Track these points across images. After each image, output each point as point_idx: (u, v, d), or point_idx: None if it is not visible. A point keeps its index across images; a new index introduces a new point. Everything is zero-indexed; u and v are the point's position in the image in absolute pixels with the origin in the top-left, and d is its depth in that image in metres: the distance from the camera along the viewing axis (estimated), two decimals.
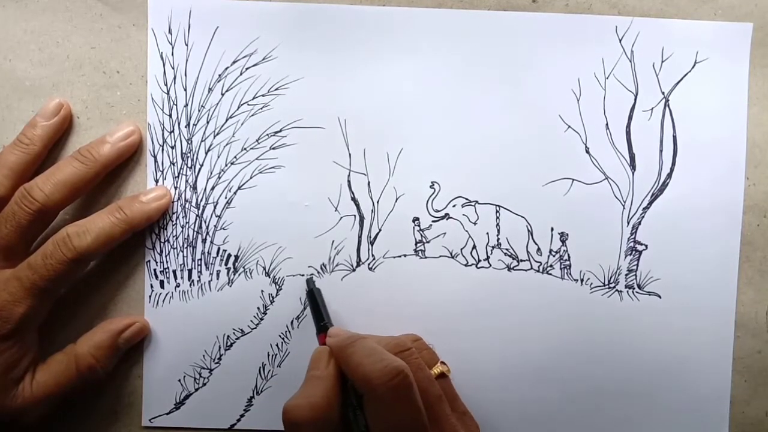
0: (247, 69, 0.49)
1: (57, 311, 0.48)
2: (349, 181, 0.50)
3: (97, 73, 0.49)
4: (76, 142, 0.49)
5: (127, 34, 0.49)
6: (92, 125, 0.49)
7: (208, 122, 0.49)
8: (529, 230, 0.50)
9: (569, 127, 0.49)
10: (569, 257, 0.49)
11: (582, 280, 0.50)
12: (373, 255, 0.50)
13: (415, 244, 0.50)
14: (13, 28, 0.49)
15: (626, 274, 0.49)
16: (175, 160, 0.49)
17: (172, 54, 0.49)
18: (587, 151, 0.49)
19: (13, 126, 0.49)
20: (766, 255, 0.50)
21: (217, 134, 0.49)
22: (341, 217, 0.50)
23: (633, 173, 0.49)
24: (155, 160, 0.49)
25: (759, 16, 0.49)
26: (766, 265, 0.50)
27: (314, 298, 0.48)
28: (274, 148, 0.49)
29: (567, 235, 0.49)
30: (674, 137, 0.49)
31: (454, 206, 0.50)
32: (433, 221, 0.50)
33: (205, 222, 0.49)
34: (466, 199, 0.50)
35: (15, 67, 0.49)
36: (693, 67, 0.49)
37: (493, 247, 0.50)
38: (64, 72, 0.49)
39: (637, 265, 0.49)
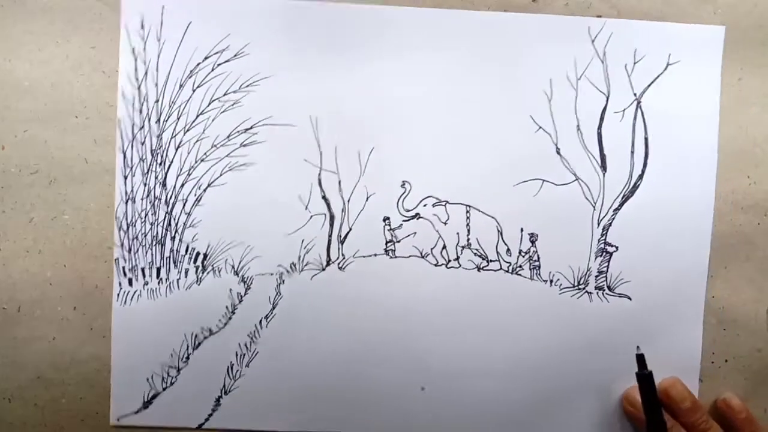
0: (218, 65, 0.49)
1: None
2: (319, 180, 0.49)
3: (97, 73, 0.49)
4: (75, 142, 0.49)
5: None
6: (92, 125, 0.49)
7: (178, 118, 0.49)
8: (499, 230, 0.50)
9: (540, 127, 0.49)
10: (539, 258, 0.49)
11: (551, 281, 0.49)
12: (343, 254, 0.50)
13: (386, 244, 0.50)
14: (13, 28, 0.49)
15: (596, 276, 0.49)
16: (144, 157, 0.49)
17: (144, 50, 0.49)
18: (558, 152, 0.49)
19: (12, 126, 0.49)
20: (767, 254, 0.50)
21: (188, 131, 0.49)
22: (311, 216, 0.49)
23: (604, 174, 0.49)
24: (124, 157, 0.49)
25: (759, 15, 0.49)
26: (766, 264, 0.50)
27: (652, 386, 0.47)
28: (244, 146, 0.49)
29: (537, 235, 0.49)
30: (646, 139, 0.49)
31: (424, 206, 0.50)
32: (403, 221, 0.50)
33: (174, 219, 0.49)
34: (437, 198, 0.50)
35: (15, 67, 0.49)
36: (665, 69, 0.49)
37: (463, 247, 0.50)
38: (63, 72, 0.49)
39: (608, 266, 0.49)
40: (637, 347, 0.47)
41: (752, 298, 0.50)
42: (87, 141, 0.48)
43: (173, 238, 0.49)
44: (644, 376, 0.47)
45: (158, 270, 0.49)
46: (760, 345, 0.50)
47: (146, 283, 0.49)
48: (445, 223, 0.50)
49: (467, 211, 0.49)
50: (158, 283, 0.49)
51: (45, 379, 0.50)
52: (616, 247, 0.49)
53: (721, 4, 0.49)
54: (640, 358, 0.47)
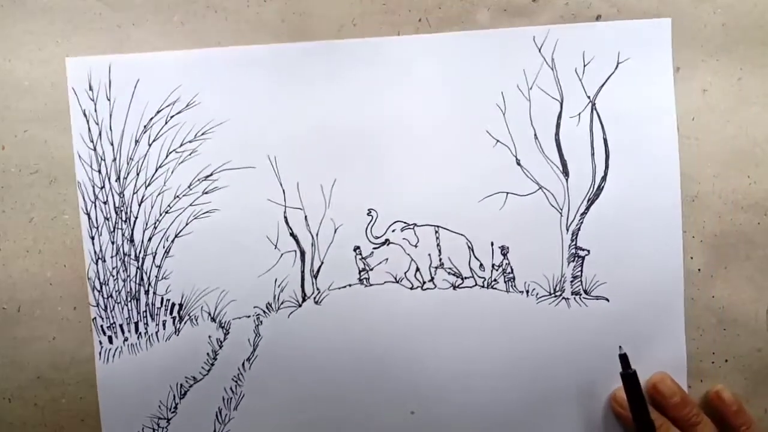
0: (171, 117, 0.49)
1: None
2: (285, 218, 0.49)
3: None
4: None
5: (127, 35, 0.48)
6: None
7: (138, 174, 0.49)
8: (469, 247, 0.50)
9: (498, 141, 0.49)
10: (512, 270, 0.49)
11: (527, 292, 0.49)
12: (317, 288, 0.50)
13: (359, 273, 0.50)
14: (13, 28, 0.48)
15: (571, 281, 0.49)
16: (109, 215, 0.49)
17: (95, 110, 0.49)
18: (518, 163, 0.49)
19: (12, 126, 0.49)
20: (767, 253, 0.50)
21: (149, 185, 0.49)
22: (282, 254, 0.49)
23: (567, 180, 0.49)
24: (89, 218, 0.49)
25: (759, 15, 0.49)
26: (766, 263, 0.50)
27: (637, 386, 0.47)
28: (206, 193, 0.49)
29: (507, 248, 0.49)
30: (605, 140, 0.49)
31: (393, 231, 0.50)
32: (374, 248, 0.50)
33: (145, 273, 0.49)
34: (405, 222, 0.50)
35: (15, 67, 0.49)
36: (616, 68, 0.49)
37: (436, 268, 0.50)
38: (63, 72, 0.49)
39: (581, 270, 0.49)
40: (620, 347, 0.48)
41: (752, 298, 0.50)
42: None
43: (147, 292, 0.49)
44: (628, 376, 0.47)
45: (136, 325, 0.49)
46: (760, 345, 0.50)
47: (126, 339, 0.49)
48: (416, 246, 0.50)
49: (436, 232, 0.50)
50: (137, 337, 0.49)
51: (45, 379, 0.50)
52: (588, 251, 0.49)
53: (720, 3, 0.49)
54: (623, 358, 0.47)
